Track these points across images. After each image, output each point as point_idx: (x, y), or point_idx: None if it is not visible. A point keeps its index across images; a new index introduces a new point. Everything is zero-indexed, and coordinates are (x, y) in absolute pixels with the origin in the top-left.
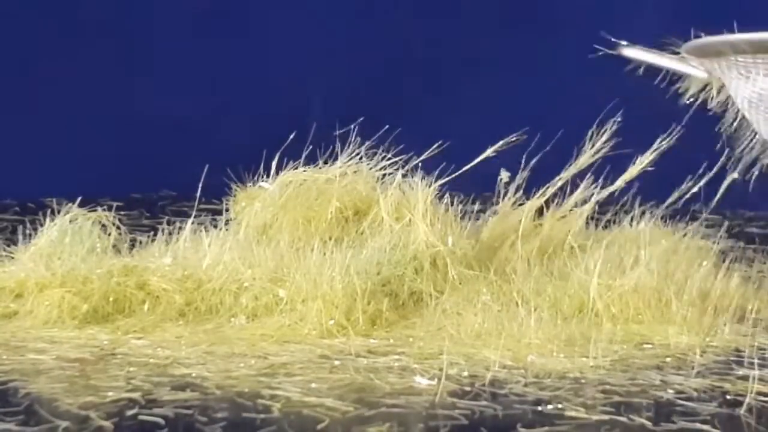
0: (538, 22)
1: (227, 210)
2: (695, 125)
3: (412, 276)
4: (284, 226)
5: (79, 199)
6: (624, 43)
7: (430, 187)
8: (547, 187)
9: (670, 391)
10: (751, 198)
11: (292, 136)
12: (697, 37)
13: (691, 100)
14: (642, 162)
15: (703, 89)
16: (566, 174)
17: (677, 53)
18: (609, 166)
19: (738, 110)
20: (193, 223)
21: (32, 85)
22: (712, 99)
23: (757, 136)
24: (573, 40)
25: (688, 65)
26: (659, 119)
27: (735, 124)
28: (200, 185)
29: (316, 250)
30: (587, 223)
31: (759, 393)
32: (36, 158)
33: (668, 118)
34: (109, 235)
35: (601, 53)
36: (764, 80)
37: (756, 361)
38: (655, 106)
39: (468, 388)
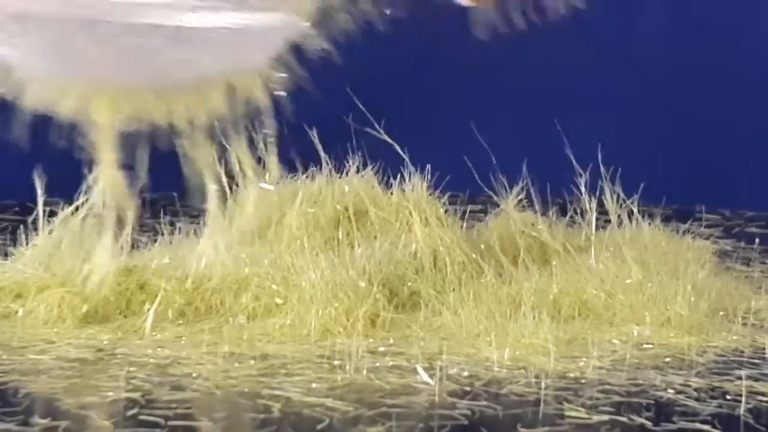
0: None
1: (227, 210)
2: None
3: (412, 276)
4: (284, 226)
5: (79, 199)
6: None
7: (430, 187)
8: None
9: (670, 391)
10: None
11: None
12: None
13: None
14: None
15: None
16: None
17: None
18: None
19: None
20: (192, 223)
21: None
22: None
23: None
24: None
25: None
26: None
27: None
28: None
29: (316, 250)
30: (588, 223)
31: (758, 393)
32: (36, 158)
33: None
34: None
35: None
36: None
37: (756, 360)
38: None
39: (468, 388)
